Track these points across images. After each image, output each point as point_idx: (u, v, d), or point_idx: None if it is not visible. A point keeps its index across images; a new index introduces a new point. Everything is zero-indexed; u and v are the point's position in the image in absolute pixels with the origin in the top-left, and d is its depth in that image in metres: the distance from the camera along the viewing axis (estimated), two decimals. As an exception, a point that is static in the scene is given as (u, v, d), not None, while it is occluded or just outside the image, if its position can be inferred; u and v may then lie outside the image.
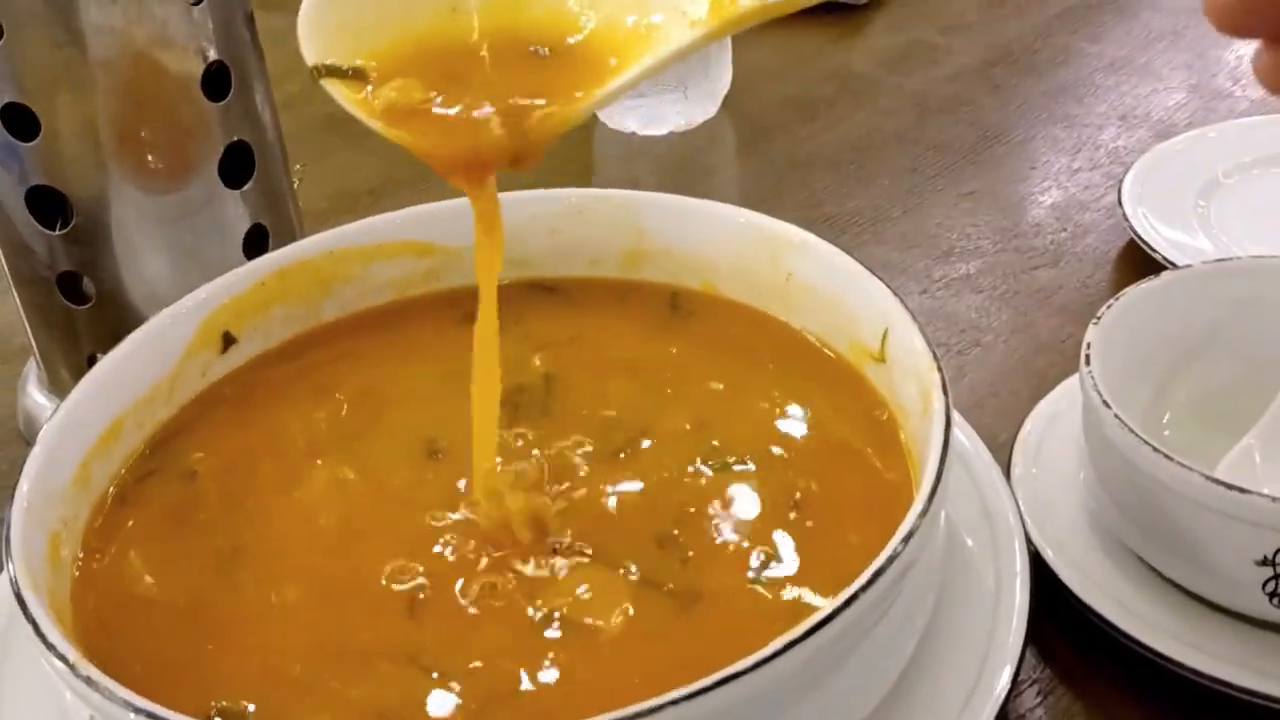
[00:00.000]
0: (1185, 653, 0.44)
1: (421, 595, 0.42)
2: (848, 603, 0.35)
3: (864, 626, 0.37)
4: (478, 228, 0.43)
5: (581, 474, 0.46)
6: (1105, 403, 0.45)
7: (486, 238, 0.43)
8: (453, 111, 0.39)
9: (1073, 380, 0.54)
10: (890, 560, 0.37)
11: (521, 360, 0.52)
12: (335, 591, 0.43)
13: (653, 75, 0.39)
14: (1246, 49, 0.87)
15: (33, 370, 0.62)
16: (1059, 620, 0.48)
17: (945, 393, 0.42)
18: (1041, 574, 0.47)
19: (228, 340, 0.52)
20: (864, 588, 0.36)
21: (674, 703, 0.33)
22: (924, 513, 0.38)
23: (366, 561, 0.44)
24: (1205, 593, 0.45)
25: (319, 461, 0.48)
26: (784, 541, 0.43)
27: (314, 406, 0.51)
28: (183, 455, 0.48)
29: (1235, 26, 0.29)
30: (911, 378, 0.45)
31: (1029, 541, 0.47)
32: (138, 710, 0.34)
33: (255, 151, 0.56)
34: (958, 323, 0.64)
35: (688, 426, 0.48)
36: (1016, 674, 0.43)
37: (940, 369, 0.43)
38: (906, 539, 0.37)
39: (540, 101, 0.39)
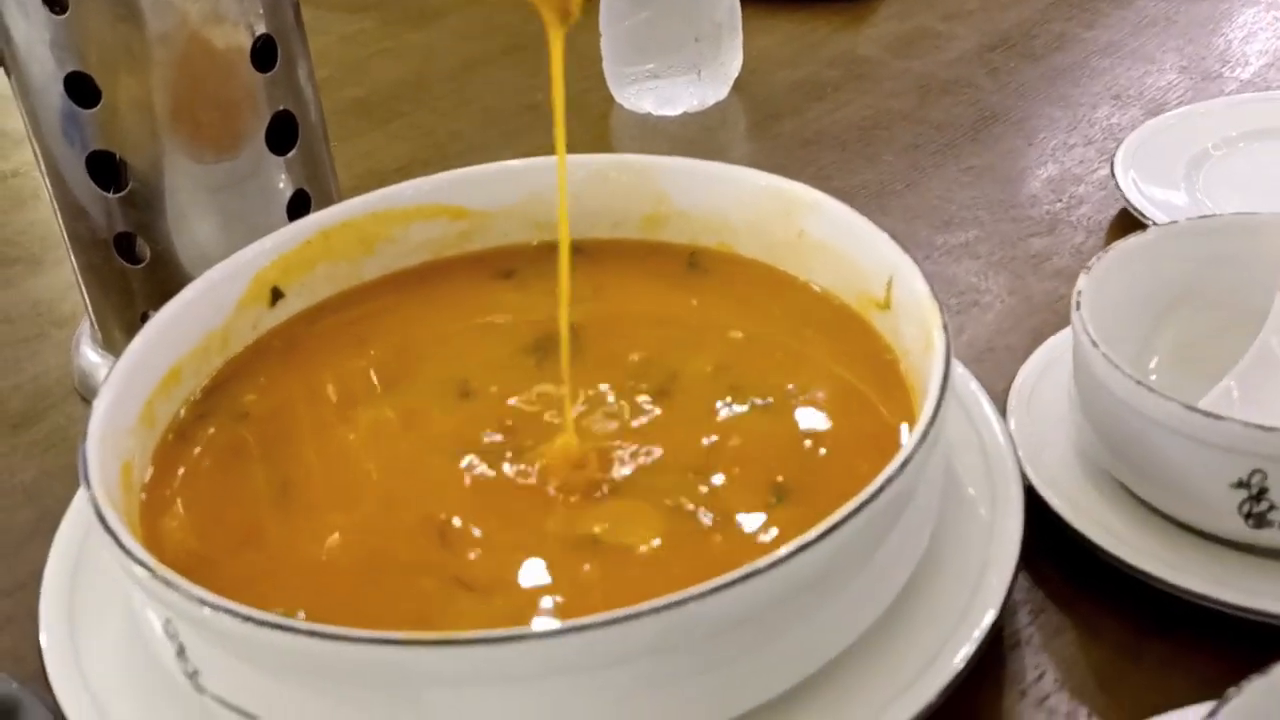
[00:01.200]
0: (1166, 571, 0.47)
1: (457, 522, 0.46)
2: (850, 516, 0.39)
3: (867, 539, 0.41)
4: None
5: (612, 413, 0.50)
6: (1094, 343, 0.48)
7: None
8: None
9: (1064, 334, 0.58)
10: (891, 479, 0.40)
11: (549, 312, 0.55)
12: (377, 518, 0.47)
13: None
14: (1236, 33, 0.91)
15: (85, 331, 0.66)
16: (1051, 550, 0.51)
17: (945, 330, 0.46)
18: (1035, 508, 0.50)
19: (276, 295, 0.55)
20: (866, 502, 0.39)
21: (673, 605, 0.37)
22: (924, 437, 0.42)
23: (405, 492, 0.48)
24: (1185, 517, 0.48)
25: (360, 404, 0.52)
26: (800, 470, 0.46)
27: (356, 355, 0.55)
28: (236, 398, 0.52)
29: None
30: (914, 320, 0.48)
31: (1023, 477, 0.51)
32: (213, 606, 0.38)
33: (299, 121, 0.60)
34: (957, 285, 0.68)
35: (709, 369, 0.52)
36: (1009, 594, 0.46)
37: (941, 309, 0.47)
38: (905, 463, 0.41)
39: None
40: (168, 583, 0.39)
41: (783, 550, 0.38)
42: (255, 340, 0.55)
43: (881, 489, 0.40)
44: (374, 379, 0.54)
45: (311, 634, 0.37)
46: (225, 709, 0.41)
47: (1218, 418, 0.45)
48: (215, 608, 0.38)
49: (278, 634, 0.37)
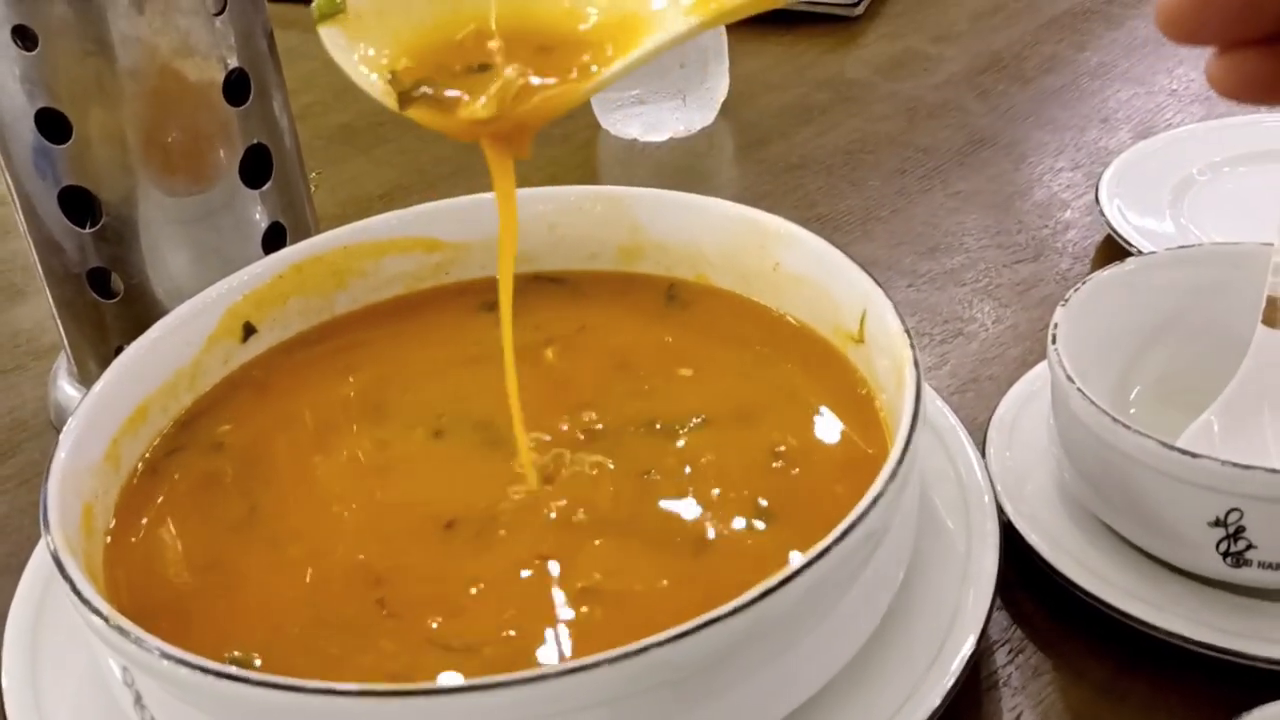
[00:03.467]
0: (1146, 611, 0.46)
1: (433, 569, 0.45)
2: (817, 558, 0.38)
3: (835, 582, 0.40)
4: (499, 205, 0.46)
5: (594, 445, 0.49)
6: (1070, 378, 0.48)
7: (504, 209, 0.46)
8: (453, 94, 0.42)
9: (1045, 365, 0.57)
10: (860, 517, 0.39)
11: (536, 351, 0.55)
12: (347, 561, 0.46)
13: (646, 61, 0.42)
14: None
15: (63, 365, 0.66)
16: (1030, 587, 0.50)
17: (916, 366, 0.45)
18: (1014, 544, 0.50)
19: (248, 330, 0.55)
20: (833, 545, 0.38)
21: (645, 649, 0.36)
22: (893, 476, 0.41)
23: (377, 536, 0.47)
24: (1164, 555, 0.48)
25: (335, 437, 0.51)
26: (777, 497, 0.46)
27: (331, 388, 0.54)
28: (208, 430, 0.52)
29: (1187, 35, 0.30)
30: (886, 355, 0.48)
31: (1001, 512, 0.50)
32: (166, 656, 0.37)
33: (273, 153, 0.60)
34: (941, 314, 0.67)
35: (688, 404, 0.51)
36: (984, 633, 0.46)
37: (912, 345, 0.46)
38: (874, 501, 0.40)
39: (545, 80, 0.42)
40: (122, 631, 0.38)
41: (747, 595, 0.37)
42: (226, 376, 0.54)
43: (849, 530, 0.39)
44: (350, 412, 0.53)
45: (265, 685, 0.37)
46: (184, 758, 0.41)
47: (1194, 455, 0.44)
48: (168, 657, 0.37)
49: (231, 685, 0.37)
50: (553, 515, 0.47)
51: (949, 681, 0.44)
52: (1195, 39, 0.30)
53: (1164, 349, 0.55)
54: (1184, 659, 0.46)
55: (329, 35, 0.43)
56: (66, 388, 0.65)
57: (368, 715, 0.36)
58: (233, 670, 0.37)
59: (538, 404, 0.51)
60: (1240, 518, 0.44)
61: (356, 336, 0.57)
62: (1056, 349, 0.49)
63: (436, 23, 0.44)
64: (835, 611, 0.41)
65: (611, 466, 0.48)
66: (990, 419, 0.55)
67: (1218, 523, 0.45)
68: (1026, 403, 0.56)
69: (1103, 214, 0.69)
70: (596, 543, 0.45)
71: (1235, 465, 0.43)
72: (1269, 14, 0.29)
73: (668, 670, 0.37)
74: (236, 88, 0.58)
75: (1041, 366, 0.58)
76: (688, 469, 0.48)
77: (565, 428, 0.50)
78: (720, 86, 0.88)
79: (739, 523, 0.45)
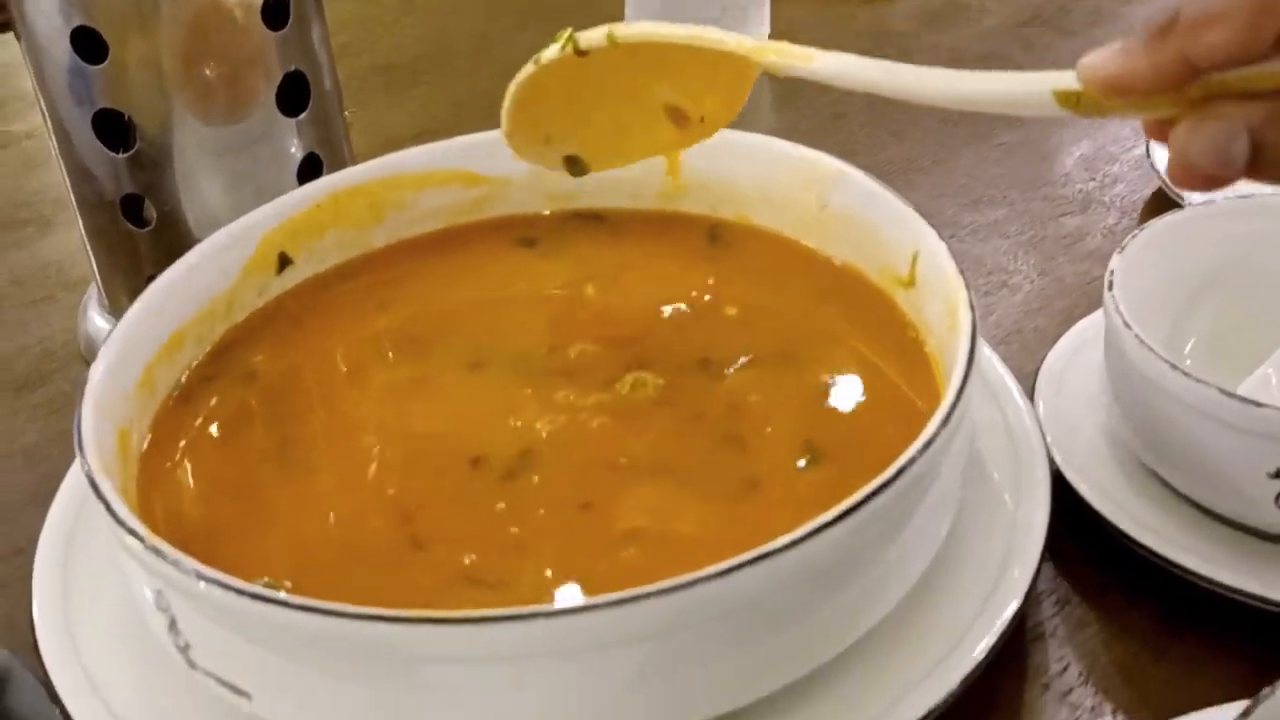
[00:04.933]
0: (1197, 562, 0.45)
1: (470, 503, 0.44)
2: (866, 500, 0.37)
3: (883, 526, 0.39)
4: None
5: (638, 384, 0.48)
6: (1127, 324, 0.46)
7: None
8: None
9: (1096, 316, 0.56)
10: (912, 460, 0.38)
11: (576, 288, 0.54)
12: (382, 491, 0.45)
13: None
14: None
15: (93, 296, 0.65)
16: (1078, 538, 0.49)
17: (971, 309, 0.44)
18: (1062, 495, 0.49)
19: (283, 261, 0.54)
20: (883, 487, 0.38)
21: (691, 584, 0.35)
22: (946, 418, 0.40)
23: (414, 468, 0.46)
24: (1219, 507, 0.46)
25: (369, 370, 0.50)
26: (826, 439, 0.45)
27: (366, 322, 0.53)
28: (242, 360, 0.51)
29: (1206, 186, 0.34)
30: (939, 298, 0.47)
31: (1051, 462, 0.49)
32: (203, 578, 0.37)
33: (310, 82, 0.59)
34: (985, 265, 0.66)
35: (733, 343, 0.50)
36: (1033, 585, 0.45)
37: (968, 286, 0.45)
38: (927, 444, 0.39)
39: None
40: (158, 553, 0.38)
41: (797, 533, 0.36)
42: (261, 307, 0.53)
43: (900, 472, 0.38)
44: (384, 347, 0.52)
45: (304, 609, 0.36)
46: (217, 684, 0.40)
47: (1256, 404, 0.43)
48: (205, 579, 0.37)
49: (269, 608, 0.36)
50: (596, 455, 0.46)
51: (995, 633, 0.43)
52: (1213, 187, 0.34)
53: (1218, 301, 0.54)
54: (1233, 613, 0.45)
55: None
56: (96, 319, 0.64)
57: (412, 642, 0.35)
58: (272, 593, 0.37)
59: (579, 341, 0.51)
60: (1304, 469, 0.43)
61: (393, 271, 0.56)
62: (1114, 295, 0.48)
63: None
64: (881, 557, 0.40)
65: (655, 406, 0.47)
66: (1038, 369, 0.54)
67: (1278, 474, 0.43)
68: (1075, 354, 0.55)
69: (1153, 166, 0.68)
70: (641, 483, 0.44)
71: (1300, 415, 0.42)
72: None
73: (713, 607, 0.36)
74: (275, 12, 0.56)
75: (1089, 319, 0.57)
76: (735, 409, 0.47)
77: (608, 367, 0.49)
78: (762, 32, 0.86)
79: (788, 464, 0.44)
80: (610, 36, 0.45)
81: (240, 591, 0.36)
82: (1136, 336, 0.46)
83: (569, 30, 0.46)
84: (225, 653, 0.39)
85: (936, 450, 0.39)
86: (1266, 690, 0.34)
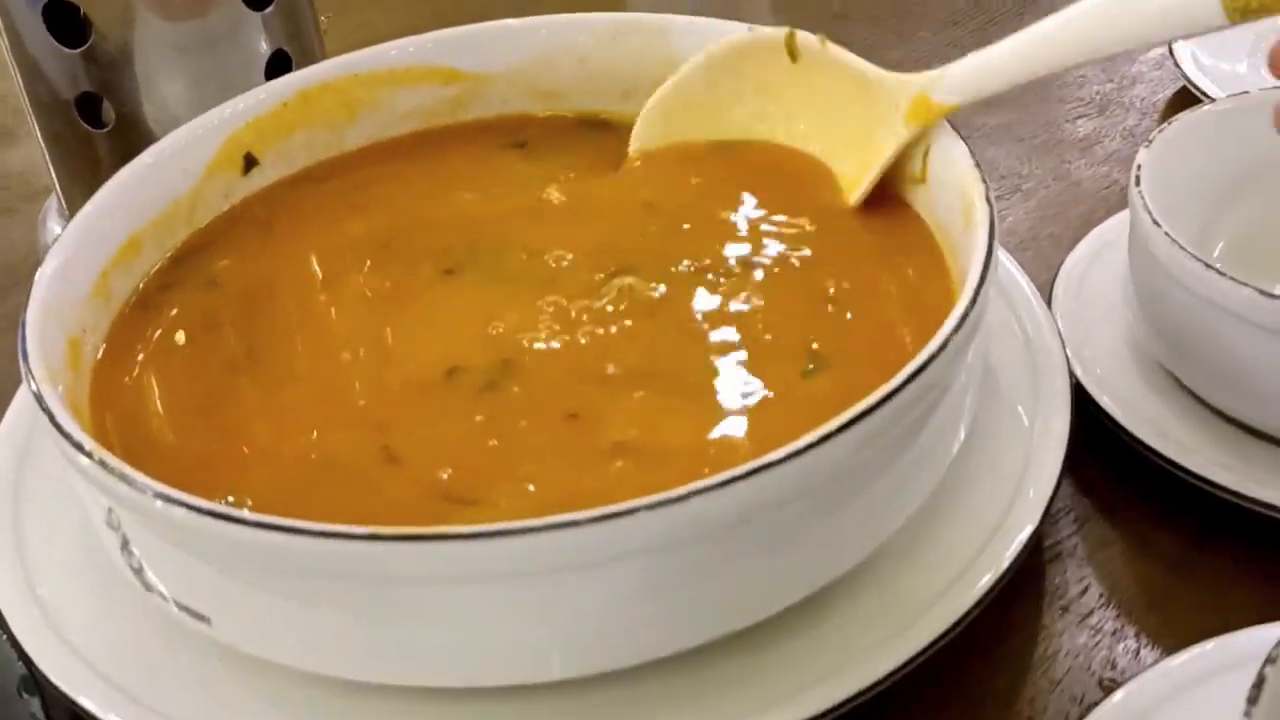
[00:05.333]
0: (1225, 476, 0.43)
1: (443, 412, 0.41)
2: (873, 408, 0.34)
3: (892, 436, 0.36)
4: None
5: (632, 290, 0.45)
6: (1155, 221, 0.43)
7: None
8: None
9: (1117, 219, 0.53)
10: (924, 366, 0.35)
11: (566, 190, 0.51)
12: (351, 404, 0.42)
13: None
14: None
15: (53, 206, 0.61)
16: (1098, 452, 0.47)
17: (989, 203, 0.41)
18: (1082, 407, 0.45)
19: (250, 162, 0.51)
20: (892, 394, 0.34)
21: (695, 493, 0.32)
22: (962, 320, 0.37)
23: (386, 379, 0.43)
24: (1251, 418, 0.43)
25: (340, 277, 0.47)
26: (831, 344, 0.42)
27: (337, 228, 0.49)
28: (206, 266, 0.47)
29: None
30: (954, 193, 0.43)
31: (1070, 373, 0.46)
32: (153, 493, 0.34)
33: (278, -28, 0.55)
34: (998, 169, 0.62)
35: (731, 246, 0.46)
36: (1052, 502, 0.42)
37: (984, 180, 0.42)
38: (943, 345, 0.36)
39: None
40: (105, 466, 0.35)
41: (797, 444, 0.33)
42: (227, 211, 0.50)
43: (910, 379, 0.35)
44: (356, 254, 0.49)
45: (265, 526, 0.33)
46: (176, 609, 0.37)
47: (1297, 304, 0.40)
48: (160, 497, 0.34)
49: (228, 526, 0.33)
50: (583, 364, 0.42)
51: (1011, 552, 0.40)
52: None
53: (1249, 204, 0.50)
54: (1264, 530, 0.43)
55: None
56: (56, 229, 0.60)
57: (384, 561, 0.32)
58: (231, 511, 0.34)
59: (565, 247, 0.47)
60: (1346, 375, 0.40)
61: (367, 174, 0.52)
62: (1140, 190, 0.44)
63: None
64: (889, 470, 0.37)
65: (648, 313, 0.44)
66: (1054, 277, 0.51)
67: (1318, 382, 0.40)
68: (1095, 259, 0.51)
69: (1177, 65, 0.64)
70: (631, 393, 0.41)
71: (1345, 315, 0.39)
72: None
73: (708, 523, 0.33)
74: (238, -107, 0.52)
75: (1110, 222, 0.53)
76: (733, 316, 0.43)
77: (598, 273, 0.46)
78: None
79: (789, 373, 0.41)
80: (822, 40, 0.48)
81: (196, 509, 0.33)
82: (1166, 234, 0.42)
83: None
84: (182, 575, 0.36)
85: (950, 356, 0.36)
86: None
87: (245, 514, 0.34)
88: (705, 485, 0.32)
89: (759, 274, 0.45)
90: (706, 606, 0.36)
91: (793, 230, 0.48)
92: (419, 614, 0.34)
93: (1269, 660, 0.30)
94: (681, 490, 0.32)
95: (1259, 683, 0.29)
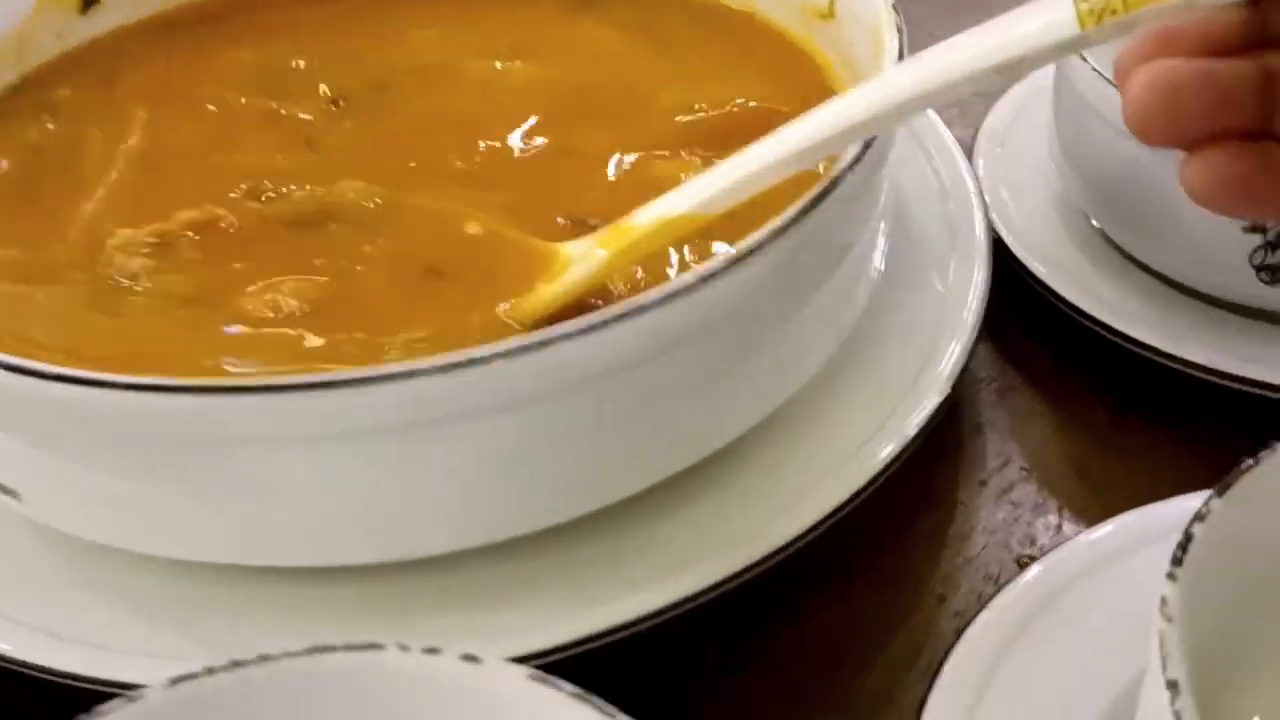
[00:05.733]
0: (1157, 337, 0.39)
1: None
2: (766, 241, 0.30)
3: (785, 279, 0.32)
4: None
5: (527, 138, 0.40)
6: (1082, 56, 0.39)
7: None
8: None
9: (1046, 70, 0.49)
10: (811, 205, 0.31)
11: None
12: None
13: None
14: None
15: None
16: (1023, 317, 0.43)
17: (900, 31, 0.37)
18: (1005, 269, 0.42)
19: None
20: (779, 231, 0.30)
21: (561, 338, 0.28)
22: (858, 160, 0.32)
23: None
24: (1184, 275, 0.40)
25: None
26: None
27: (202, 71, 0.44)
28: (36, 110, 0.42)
29: (1161, 135, 0.26)
30: (863, 25, 0.39)
31: (992, 230, 0.42)
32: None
33: None
34: (925, 25, 0.58)
35: (623, 100, 0.42)
36: (967, 367, 0.38)
37: (895, 8, 0.37)
38: (831, 186, 0.31)
39: None
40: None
41: (670, 286, 0.29)
42: (60, 55, 0.45)
43: (795, 220, 0.31)
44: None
45: (66, 379, 0.28)
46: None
47: (1236, 142, 0.36)
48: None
49: (21, 380, 0.28)
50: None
51: (919, 419, 0.36)
52: (1169, 138, 0.26)
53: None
54: (1199, 396, 0.40)
55: None
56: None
57: (208, 417, 0.28)
58: (23, 362, 0.29)
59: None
60: (1286, 221, 0.36)
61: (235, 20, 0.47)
62: (1068, 25, 0.40)
63: None
64: (783, 326, 0.34)
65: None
66: (977, 131, 0.47)
67: (1254, 227, 0.37)
68: (1021, 111, 0.48)
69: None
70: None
71: (1287, 151, 0.35)
72: (1242, 108, 0.26)
73: (573, 373, 0.29)
74: None
75: (1035, 76, 0.49)
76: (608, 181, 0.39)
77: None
78: None
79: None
80: None
81: (-13, 362, 0.29)
82: (1094, 70, 0.39)
83: None
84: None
85: (844, 195, 0.32)
86: (1248, 461, 0.28)
87: (42, 365, 0.29)
88: (570, 330, 0.28)
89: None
90: (574, 475, 0.32)
91: (691, 84, 0.43)
92: (250, 480, 0.30)
93: (1197, 517, 0.27)
94: (546, 334, 0.28)
95: (1185, 541, 0.26)
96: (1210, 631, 0.26)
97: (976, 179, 0.43)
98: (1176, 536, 0.27)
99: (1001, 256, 0.42)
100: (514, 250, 0.35)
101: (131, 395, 0.28)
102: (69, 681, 0.31)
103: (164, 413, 0.28)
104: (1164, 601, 0.25)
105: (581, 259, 0.33)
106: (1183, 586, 0.25)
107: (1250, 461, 0.28)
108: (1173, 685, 0.23)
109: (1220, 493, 0.27)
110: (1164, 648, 0.24)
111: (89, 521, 0.32)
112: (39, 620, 0.32)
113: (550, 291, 0.33)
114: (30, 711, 0.33)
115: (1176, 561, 0.26)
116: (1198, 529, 0.26)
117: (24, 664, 0.32)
